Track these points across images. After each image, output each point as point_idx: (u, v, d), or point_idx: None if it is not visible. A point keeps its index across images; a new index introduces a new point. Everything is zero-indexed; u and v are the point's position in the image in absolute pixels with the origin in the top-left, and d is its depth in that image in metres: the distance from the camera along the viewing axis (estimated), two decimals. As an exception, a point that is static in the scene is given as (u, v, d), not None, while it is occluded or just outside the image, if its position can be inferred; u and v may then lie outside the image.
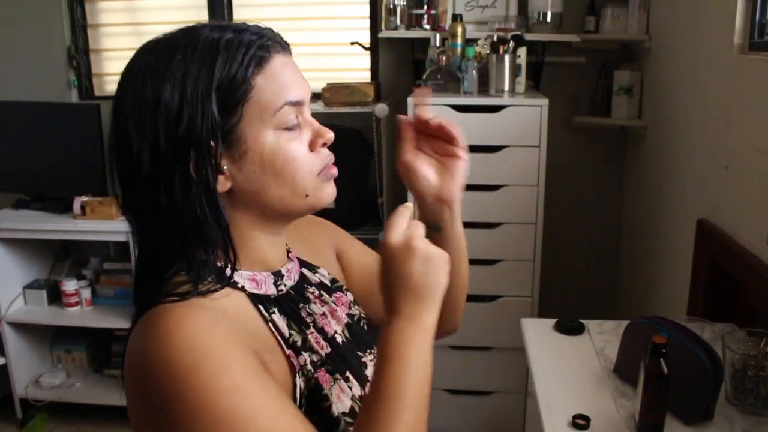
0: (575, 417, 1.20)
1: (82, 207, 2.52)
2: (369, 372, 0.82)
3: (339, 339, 0.82)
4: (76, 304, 2.70)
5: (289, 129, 0.73)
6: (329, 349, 0.78)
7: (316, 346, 0.77)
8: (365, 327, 0.88)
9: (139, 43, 0.74)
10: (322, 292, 0.85)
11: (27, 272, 2.75)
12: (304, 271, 0.86)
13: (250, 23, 0.75)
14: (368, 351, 0.85)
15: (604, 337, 1.54)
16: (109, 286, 2.74)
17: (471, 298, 2.32)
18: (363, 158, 2.57)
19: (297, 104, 0.74)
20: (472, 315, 2.34)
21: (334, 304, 0.85)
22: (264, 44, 0.72)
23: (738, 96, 1.60)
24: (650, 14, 2.39)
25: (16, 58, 2.96)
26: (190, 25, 0.74)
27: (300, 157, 0.74)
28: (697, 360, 1.16)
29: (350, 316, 0.86)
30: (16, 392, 2.70)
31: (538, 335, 1.55)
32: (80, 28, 2.95)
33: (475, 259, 2.31)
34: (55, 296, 2.73)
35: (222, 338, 0.65)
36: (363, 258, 0.98)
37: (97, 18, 2.98)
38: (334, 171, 0.78)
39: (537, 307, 2.33)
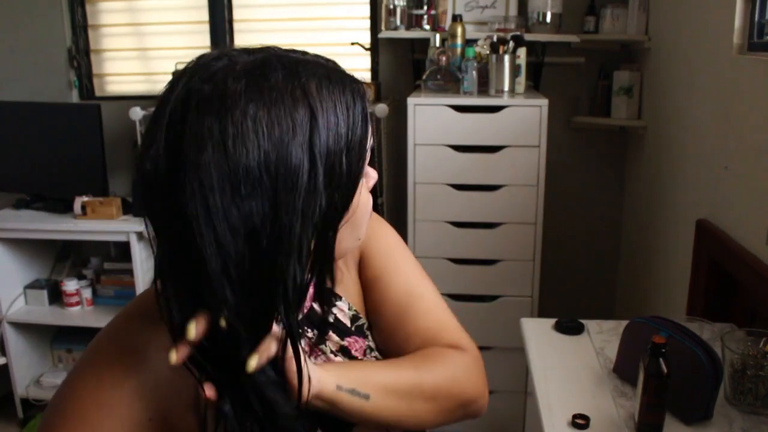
0: (575, 417, 1.21)
1: (83, 207, 2.52)
2: (358, 428, 0.73)
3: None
4: (77, 303, 2.71)
5: (365, 176, 0.67)
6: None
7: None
8: None
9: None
10: (331, 335, 0.76)
11: (28, 272, 2.75)
12: (315, 306, 0.75)
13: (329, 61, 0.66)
14: None
15: (603, 336, 1.54)
16: (110, 286, 2.75)
17: (471, 298, 2.35)
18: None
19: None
20: (471, 315, 2.35)
21: (339, 354, 0.75)
22: (360, 90, 0.65)
23: (737, 96, 1.60)
24: (650, 15, 2.39)
25: (16, 58, 2.97)
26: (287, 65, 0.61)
27: (367, 206, 0.70)
28: (697, 360, 1.16)
29: None
30: (17, 392, 2.71)
31: (538, 335, 1.56)
32: (81, 28, 2.95)
33: (475, 259, 2.35)
34: (56, 296, 2.74)
35: (114, 404, 0.64)
36: (380, 280, 0.82)
37: (97, 18, 2.98)
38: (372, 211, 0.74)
39: (537, 307, 2.33)
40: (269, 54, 0.61)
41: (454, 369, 0.77)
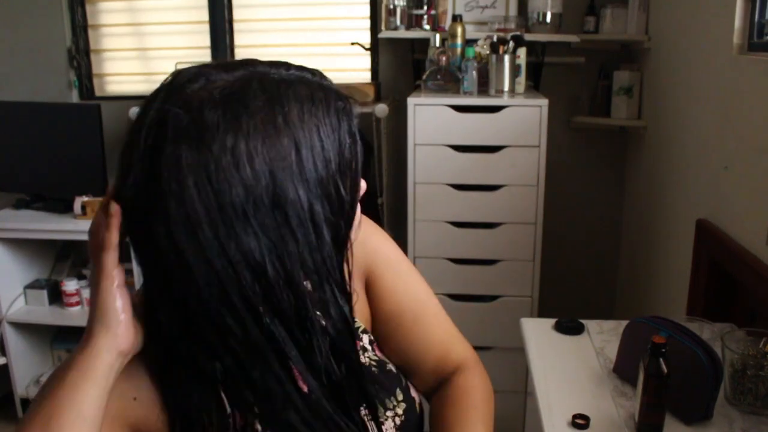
0: (575, 417, 1.21)
1: (83, 207, 2.52)
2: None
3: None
4: (77, 304, 2.70)
5: None
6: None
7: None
8: (390, 371, 0.80)
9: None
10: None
11: (28, 272, 2.75)
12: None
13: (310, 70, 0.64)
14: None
15: (603, 336, 1.54)
16: (110, 286, 2.75)
17: (471, 298, 2.35)
18: (363, 158, 2.57)
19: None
20: (472, 315, 2.35)
21: None
22: (347, 107, 0.63)
23: (737, 96, 1.60)
24: (649, 15, 2.39)
25: (16, 58, 2.97)
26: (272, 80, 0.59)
27: (358, 216, 0.69)
28: (697, 360, 1.16)
29: None
30: (17, 392, 2.71)
31: (538, 335, 1.56)
32: (81, 28, 2.95)
33: (475, 259, 2.35)
34: (56, 296, 2.74)
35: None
36: (392, 296, 0.84)
37: (97, 18, 2.98)
38: (361, 218, 0.73)
39: (537, 307, 2.33)
40: (249, 74, 0.58)
41: (490, 398, 0.85)
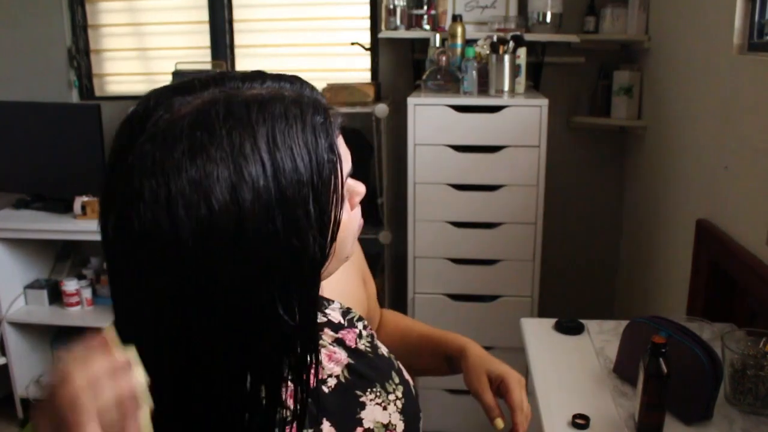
0: (575, 416, 1.21)
1: (83, 207, 2.52)
2: (367, 412, 0.76)
3: (332, 382, 0.76)
4: (77, 303, 2.70)
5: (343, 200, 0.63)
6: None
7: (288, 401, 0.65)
8: (383, 355, 0.83)
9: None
10: (326, 330, 0.79)
11: (28, 272, 2.75)
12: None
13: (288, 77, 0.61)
14: (370, 389, 0.78)
15: (603, 337, 1.54)
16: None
17: (471, 298, 2.35)
18: (363, 158, 2.57)
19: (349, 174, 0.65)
20: (472, 315, 2.35)
21: (335, 345, 0.79)
22: (327, 120, 0.60)
23: (737, 96, 1.60)
24: (650, 14, 2.39)
25: (16, 58, 2.97)
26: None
27: (350, 228, 0.68)
28: (697, 360, 1.16)
29: (355, 351, 0.80)
30: (17, 392, 2.71)
31: (538, 335, 1.56)
32: (81, 28, 2.95)
33: (475, 259, 2.35)
34: (56, 296, 2.74)
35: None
36: (371, 289, 0.98)
37: (97, 18, 2.98)
38: (362, 222, 0.72)
39: (537, 307, 2.33)
40: (215, 97, 0.56)
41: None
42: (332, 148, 0.59)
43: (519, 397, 0.89)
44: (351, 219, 0.68)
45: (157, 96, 0.57)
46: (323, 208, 0.57)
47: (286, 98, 0.58)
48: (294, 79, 0.61)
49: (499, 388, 0.91)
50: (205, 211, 0.52)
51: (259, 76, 0.59)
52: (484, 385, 0.91)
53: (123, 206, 0.55)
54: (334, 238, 0.60)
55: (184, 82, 0.58)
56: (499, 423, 0.90)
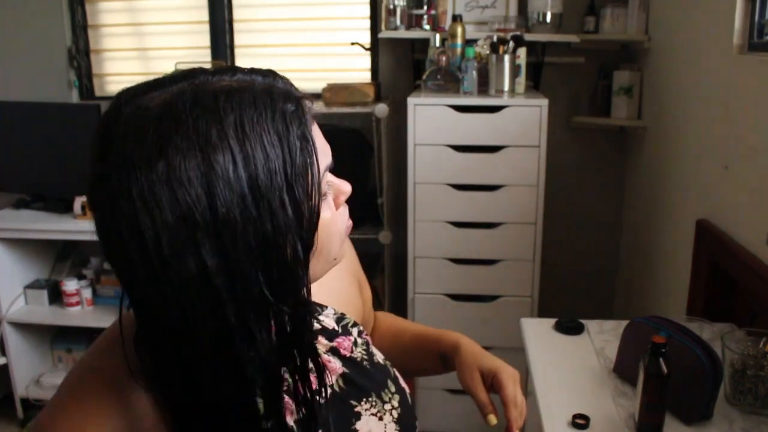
0: (575, 417, 1.21)
1: (83, 207, 2.52)
2: (362, 423, 0.75)
3: (325, 393, 0.74)
4: (77, 303, 2.71)
5: (324, 197, 0.62)
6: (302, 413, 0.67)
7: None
8: (378, 363, 0.82)
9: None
10: (320, 339, 0.77)
11: (28, 272, 2.75)
12: None
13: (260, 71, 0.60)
14: (366, 399, 0.77)
15: (603, 337, 1.54)
16: (110, 286, 2.74)
17: (471, 298, 2.36)
18: (363, 158, 2.57)
19: (330, 169, 0.63)
20: (472, 315, 2.35)
21: (329, 354, 0.77)
22: (300, 109, 0.59)
23: (737, 96, 1.60)
24: (649, 14, 2.39)
25: (16, 58, 2.97)
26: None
27: (335, 227, 0.66)
28: (697, 360, 1.16)
29: (350, 360, 0.78)
30: (17, 392, 2.71)
31: (538, 335, 1.56)
32: (81, 28, 2.95)
33: (475, 259, 2.35)
34: (56, 296, 2.74)
35: None
36: (367, 294, 0.97)
37: (97, 18, 2.98)
38: (350, 224, 0.71)
39: (537, 307, 2.33)
40: (183, 88, 0.56)
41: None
42: (305, 136, 0.58)
43: (512, 392, 0.86)
44: (336, 218, 0.66)
45: (128, 94, 0.57)
46: (299, 197, 0.56)
47: (257, 88, 0.57)
48: (267, 72, 0.60)
49: (493, 383, 0.88)
50: (179, 201, 0.52)
51: (230, 69, 0.59)
52: (477, 381, 0.88)
53: (104, 204, 0.55)
54: (314, 228, 0.59)
55: (156, 78, 0.58)
56: (492, 419, 0.87)
